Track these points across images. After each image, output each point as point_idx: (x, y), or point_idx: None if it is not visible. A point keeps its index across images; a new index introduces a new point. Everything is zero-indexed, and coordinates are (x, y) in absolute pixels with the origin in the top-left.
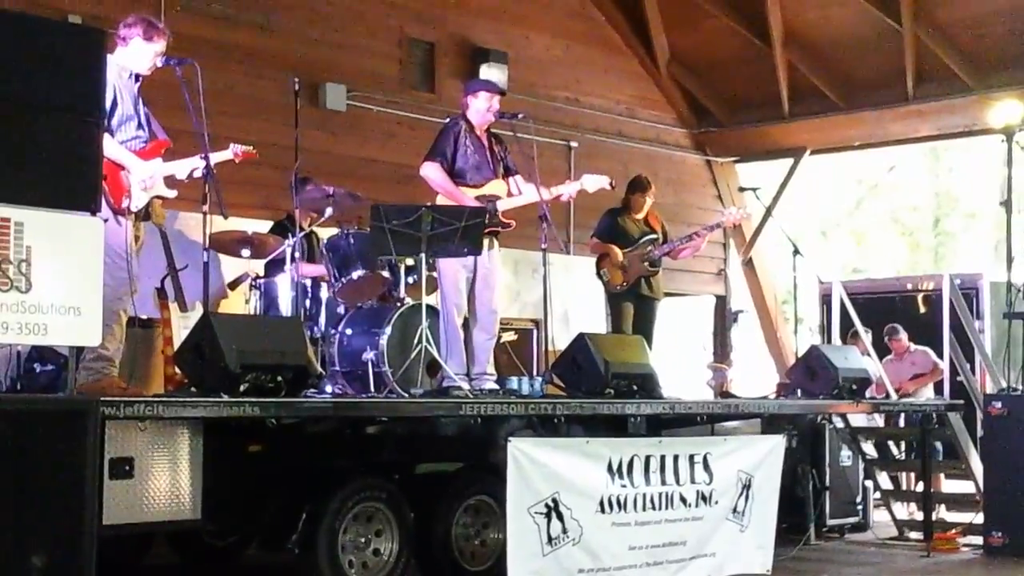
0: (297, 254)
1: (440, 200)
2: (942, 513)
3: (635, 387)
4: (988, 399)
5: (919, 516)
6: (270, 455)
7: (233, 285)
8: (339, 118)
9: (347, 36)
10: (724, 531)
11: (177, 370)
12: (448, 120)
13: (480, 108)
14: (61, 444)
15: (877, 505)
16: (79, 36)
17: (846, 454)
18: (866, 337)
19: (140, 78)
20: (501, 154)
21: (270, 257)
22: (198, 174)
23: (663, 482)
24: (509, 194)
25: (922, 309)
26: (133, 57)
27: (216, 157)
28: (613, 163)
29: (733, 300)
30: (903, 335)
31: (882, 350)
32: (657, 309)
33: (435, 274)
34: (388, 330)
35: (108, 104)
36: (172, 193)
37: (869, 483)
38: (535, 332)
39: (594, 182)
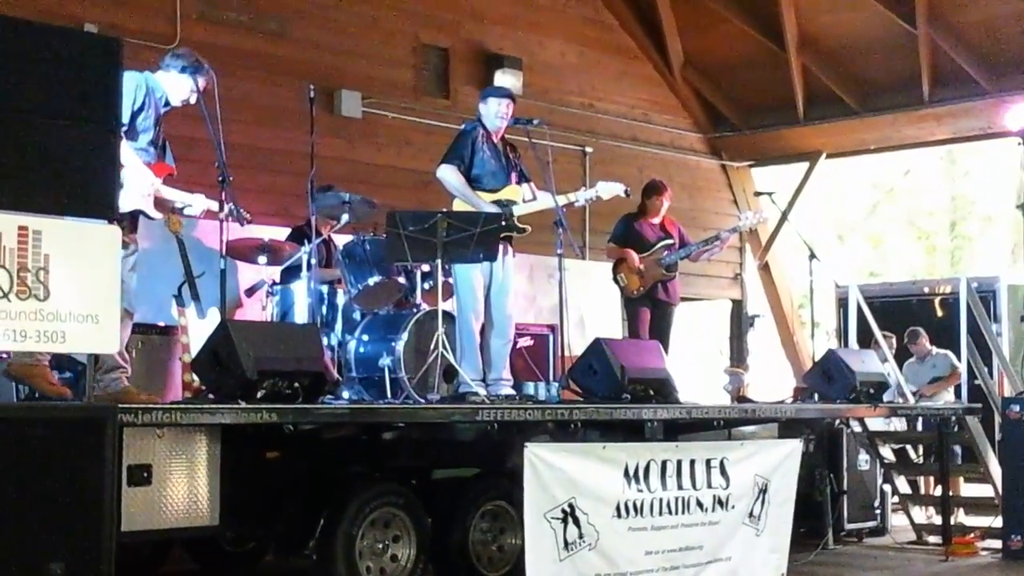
0: (313, 260)
1: (456, 204)
2: (960, 517)
3: (652, 392)
4: (1006, 402)
5: (937, 520)
6: (287, 461)
7: (250, 292)
8: (354, 125)
9: (362, 43)
10: (740, 536)
11: (194, 377)
12: (466, 124)
13: (491, 114)
14: (79, 451)
15: (895, 509)
16: (95, 45)
17: (864, 458)
18: (885, 343)
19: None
20: (515, 160)
21: (287, 264)
22: (189, 211)
23: (680, 487)
24: (524, 199)
25: (939, 313)
26: (169, 83)
27: (205, 205)
28: (628, 168)
29: (749, 304)
30: (924, 338)
31: (903, 353)
32: (674, 314)
33: (451, 280)
34: (404, 336)
35: (135, 107)
36: (157, 215)
37: (887, 487)
38: (551, 337)
39: (609, 189)
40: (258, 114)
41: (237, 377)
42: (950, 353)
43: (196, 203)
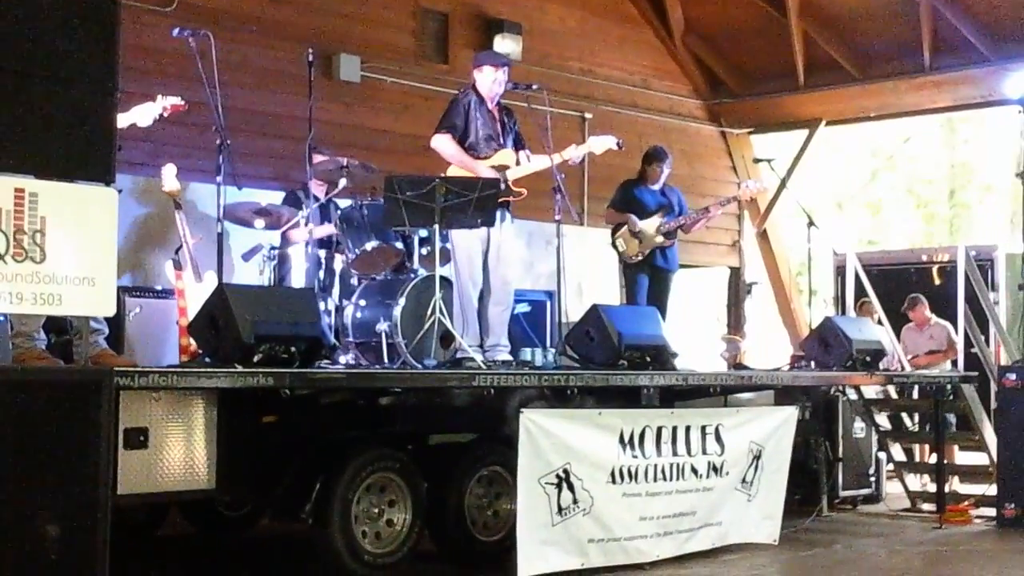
0: (311, 224)
1: (452, 171)
2: (955, 485)
3: (648, 359)
4: (1002, 371)
5: (932, 488)
6: (284, 425)
7: (247, 256)
8: (353, 89)
9: (361, 7)
10: (732, 501)
11: (191, 341)
12: (458, 92)
13: (486, 81)
14: (76, 414)
15: (890, 477)
16: (93, 7)
17: (859, 426)
18: (878, 305)
19: None
20: (511, 126)
21: (284, 228)
22: (143, 124)
23: (674, 453)
24: (518, 163)
25: (937, 281)
26: None
27: (147, 112)
28: (627, 134)
29: (747, 272)
30: (923, 306)
31: (897, 320)
32: (672, 280)
33: (448, 245)
34: (402, 301)
35: None
36: None
37: (882, 455)
38: (549, 303)
39: (601, 143)
40: (256, 78)
41: (234, 341)
42: (949, 325)
43: (143, 114)
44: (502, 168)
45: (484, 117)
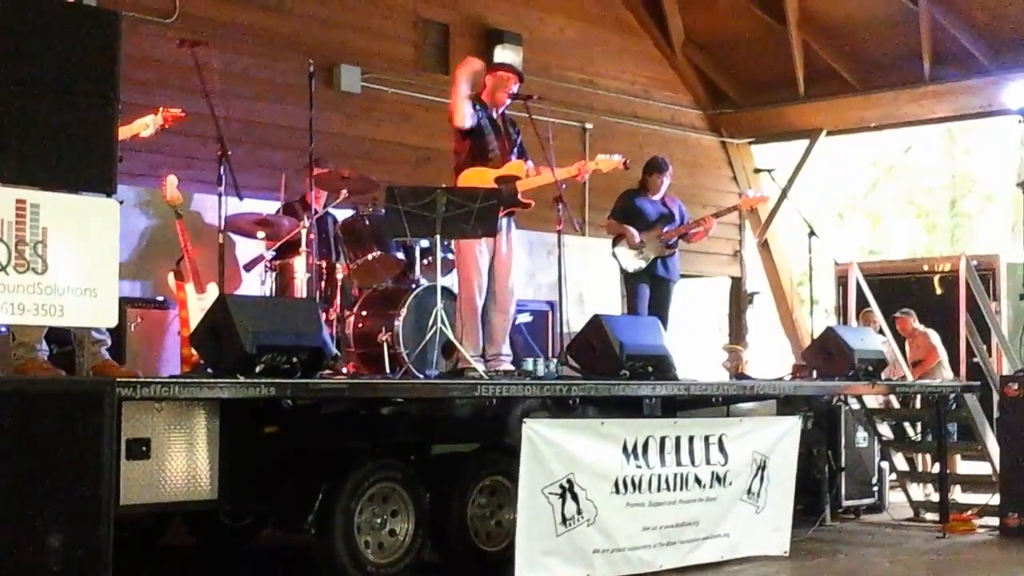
0: (312, 235)
1: (460, 180)
2: (958, 494)
3: (650, 368)
4: (1004, 380)
5: (935, 497)
6: (286, 436)
7: (248, 267)
8: (354, 100)
9: (362, 17)
10: (738, 512)
11: (193, 351)
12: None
13: (496, 87)
14: (78, 425)
15: (893, 486)
16: (94, 19)
17: (862, 435)
18: (879, 315)
19: None
20: (515, 137)
21: (285, 239)
22: (146, 133)
23: (678, 463)
24: (527, 174)
25: (938, 291)
26: None
27: (149, 124)
28: (628, 145)
29: (749, 282)
30: (910, 318)
31: (897, 334)
32: (673, 290)
33: (451, 256)
34: (404, 312)
35: None
36: None
37: (885, 464)
38: (550, 314)
39: (608, 162)
40: (257, 89)
41: (236, 351)
42: (929, 332)
43: (145, 125)
44: (513, 179)
45: (491, 126)
